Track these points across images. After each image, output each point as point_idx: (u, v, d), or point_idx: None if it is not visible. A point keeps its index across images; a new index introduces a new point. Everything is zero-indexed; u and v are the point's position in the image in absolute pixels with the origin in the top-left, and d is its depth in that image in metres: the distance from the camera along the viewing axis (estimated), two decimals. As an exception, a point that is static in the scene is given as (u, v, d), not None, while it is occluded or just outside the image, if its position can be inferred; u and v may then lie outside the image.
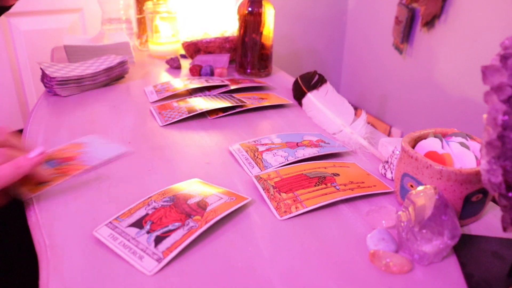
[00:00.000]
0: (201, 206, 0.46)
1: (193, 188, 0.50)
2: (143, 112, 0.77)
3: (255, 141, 0.64)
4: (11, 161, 0.44)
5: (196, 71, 0.99)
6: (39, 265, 0.39)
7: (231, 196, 0.48)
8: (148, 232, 0.42)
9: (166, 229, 0.42)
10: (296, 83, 0.86)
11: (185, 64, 1.11)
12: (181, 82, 0.90)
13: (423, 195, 0.41)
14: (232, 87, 0.87)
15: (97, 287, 0.36)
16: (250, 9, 0.96)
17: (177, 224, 0.43)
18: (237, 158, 0.59)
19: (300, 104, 0.83)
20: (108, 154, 0.58)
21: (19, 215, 0.50)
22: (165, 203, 0.46)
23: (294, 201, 0.48)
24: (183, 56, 1.17)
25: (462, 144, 0.47)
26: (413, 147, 0.49)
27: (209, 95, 0.83)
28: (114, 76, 0.92)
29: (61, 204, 0.48)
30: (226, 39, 1.08)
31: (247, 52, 1.00)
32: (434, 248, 0.39)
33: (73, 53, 1.02)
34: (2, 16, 1.39)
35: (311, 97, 0.79)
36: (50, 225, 0.44)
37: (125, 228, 0.42)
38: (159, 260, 0.38)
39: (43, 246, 0.41)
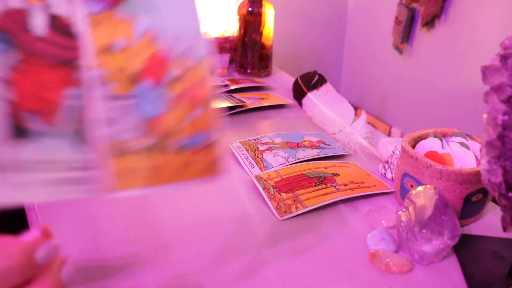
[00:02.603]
0: None
1: None
2: (143, 112, 0.77)
3: (255, 140, 0.64)
4: None
5: (196, 71, 0.99)
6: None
7: None
8: None
9: None
10: (296, 83, 0.86)
11: (185, 64, 1.11)
12: (181, 82, 0.90)
13: (423, 195, 0.41)
14: (232, 87, 0.87)
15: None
16: (250, 9, 0.96)
17: None
18: (237, 157, 0.59)
19: (300, 104, 0.83)
20: None
21: (19, 217, 0.50)
22: None
23: (294, 201, 0.48)
24: (183, 56, 1.17)
25: (462, 144, 0.47)
26: (413, 147, 0.49)
27: (209, 95, 0.83)
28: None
29: (62, 203, 0.48)
30: (226, 39, 1.08)
31: (247, 52, 1.00)
32: (434, 248, 0.39)
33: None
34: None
35: (311, 97, 0.79)
36: (50, 224, 0.44)
37: None
38: None
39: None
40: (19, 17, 0.25)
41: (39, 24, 0.25)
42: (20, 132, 0.24)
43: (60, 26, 0.26)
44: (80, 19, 0.26)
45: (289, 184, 0.51)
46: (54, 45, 0.26)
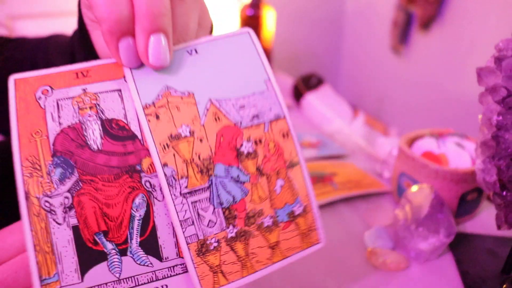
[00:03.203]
0: None
1: None
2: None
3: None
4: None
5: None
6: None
7: None
8: None
9: None
10: (295, 84, 0.87)
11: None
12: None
13: (420, 194, 0.41)
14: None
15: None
16: (250, 12, 0.97)
17: None
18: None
19: (299, 105, 0.83)
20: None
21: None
22: None
23: (293, 200, 0.49)
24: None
25: (457, 144, 0.47)
26: (410, 147, 0.50)
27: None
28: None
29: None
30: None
31: (246, 53, 1.00)
32: (430, 246, 0.40)
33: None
34: (8, 19, 1.39)
35: (310, 98, 0.80)
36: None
37: None
38: None
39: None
40: (75, 134, 0.22)
41: (94, 135, 0.23)
42: (89, 255, 0.21)
43: (115, 131, 0.23)
44: (136, 116, 0.23)
45: (288, 184, 0.52)
46: (111, 154, 0.23)
